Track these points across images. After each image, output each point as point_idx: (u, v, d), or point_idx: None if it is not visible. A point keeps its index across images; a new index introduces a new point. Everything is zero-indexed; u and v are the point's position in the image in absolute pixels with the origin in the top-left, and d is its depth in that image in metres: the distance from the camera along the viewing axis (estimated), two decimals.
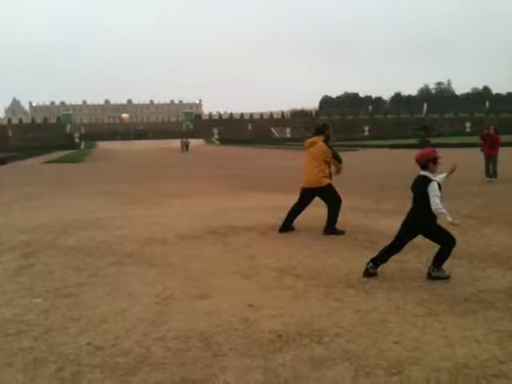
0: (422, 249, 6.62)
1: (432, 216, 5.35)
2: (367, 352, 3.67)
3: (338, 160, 8.16)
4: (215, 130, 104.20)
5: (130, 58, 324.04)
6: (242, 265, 6.22)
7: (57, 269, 6.18)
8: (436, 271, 5.44)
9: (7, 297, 5.14)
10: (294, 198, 11.36)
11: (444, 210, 5.23)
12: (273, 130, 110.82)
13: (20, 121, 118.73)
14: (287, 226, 8.18)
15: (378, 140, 67.44)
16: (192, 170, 25.01)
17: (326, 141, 8.13)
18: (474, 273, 5.65)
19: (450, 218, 5.22)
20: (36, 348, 3.86)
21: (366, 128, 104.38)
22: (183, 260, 6.54)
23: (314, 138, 8.20)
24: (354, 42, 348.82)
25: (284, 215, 9.05)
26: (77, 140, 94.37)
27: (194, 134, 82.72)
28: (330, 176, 8.09)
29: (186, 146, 58.65)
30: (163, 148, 70.88)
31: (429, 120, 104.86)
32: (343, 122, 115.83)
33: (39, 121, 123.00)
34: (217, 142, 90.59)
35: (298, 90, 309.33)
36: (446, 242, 5.45)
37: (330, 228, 7.89)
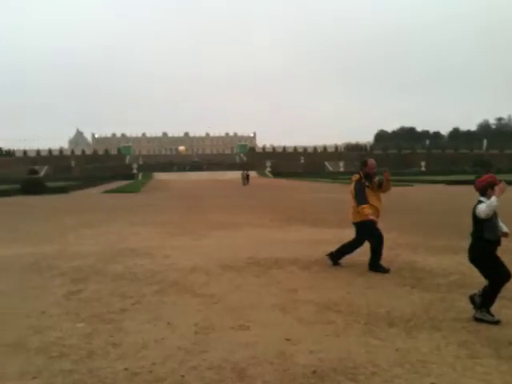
0: (468, 288, 6.43)
1: (485, 247, 5.17)
2: None
3: (358, 202, 7.79)
4: (268, 163, 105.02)
5: (187, 91, 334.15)
6: (282, 298, 6.21)
7: (103, 295, 6.39)
8: (481, 313, 5.24)
9: (53, 320, 5.35)
10: (340, 233, 11.35)
11: (491, 200, 4.97)
12: (326, 163, 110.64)
13: (83, 152, 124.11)
14: (336, 258, 8.16)
15: (435, 175, 65.93)
16: (239, 202, 25.26)
17: (366, 178, 7.92)
18: None
19: (494, 197, 4.96)
20: (76, 371, 4.00)
21: (423, 163, 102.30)
22: (224, 290, 6.60)
23: (354, 176, 8.18)
24: (411, 73, 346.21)
25: (328, 249, 9.03)
26: (135, 171, 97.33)
27: (247, 167, 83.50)
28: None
29: (246, 179, 56.38)
30: (216, 179, 72.02)
31: (488, 156, 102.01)
32: (399, 156, 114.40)
33: (101, 152, 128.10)
34: (269, 175, 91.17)
35: (353, 123, 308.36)
36: (495, 279, 5.22)
37: (374, 264, 7.76)
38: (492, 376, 3.88)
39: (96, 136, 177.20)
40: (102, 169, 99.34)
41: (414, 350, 4.45)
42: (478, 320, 5.23)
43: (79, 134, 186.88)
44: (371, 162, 8.08)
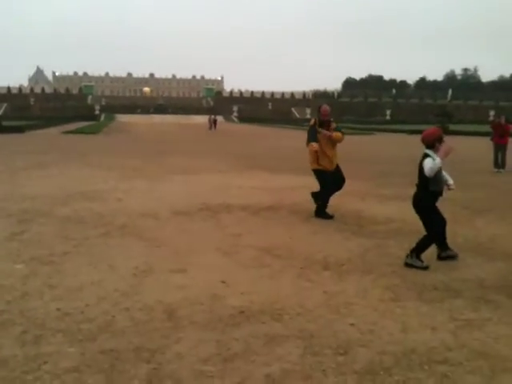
0: (406, 235, 6.70)
1: (430, 195, 5.41)
2: (321, 332, 3.78)
3: (307, 141, 7.97)
4: (235, 108, 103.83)
5: (153, 30, 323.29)
6: (226, 242, 6.35)
7: (46, 237, 6.40)
8: (412, 258, 5.49)
9: None
10: (297, 179, 11.54)
11: (436, 161, 5.18)
12: (293, 110, 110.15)
13: (42, 90, 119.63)
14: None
15: (400, 124, 66.58)
16: (202, 146, 25.13)
17: (321, 124, 7.96)
18: (453, 262, 5.69)
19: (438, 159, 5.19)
20: (7, 311, 4.05)
21: (388, 112, 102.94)
22: (170, 235, 6.70)
23: (310, 120, 8.29)
24: (381, 23, 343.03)
25: (281, 195, 9.15)
26: (97, 112, 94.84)
27: (214, 111, 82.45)
28: (315, 161, 8.00)
29: (214, 123, 54.31)
30: (182, 124, 71.03)
31: (452, 106, 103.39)
32: (365, 104, 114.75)
33: (62, 91, 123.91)
34: (236, 120, 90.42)
35: (322, 70, 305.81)
36: (432, 229, 5.51)
37: (319, 211, 7.96)
38: (409, 317, 4.11)
39: (57, 74, 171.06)
40: (63, 109, 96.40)
41: (341, 292, 4.66)
42: (408, 265, 5.48)
43: (39, 71, 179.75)
44: (324, 108, 8.13)
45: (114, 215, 7.84)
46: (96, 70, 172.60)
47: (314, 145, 7.76)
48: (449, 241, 6.30)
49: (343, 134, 8.17)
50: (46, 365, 3.21)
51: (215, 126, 53.73)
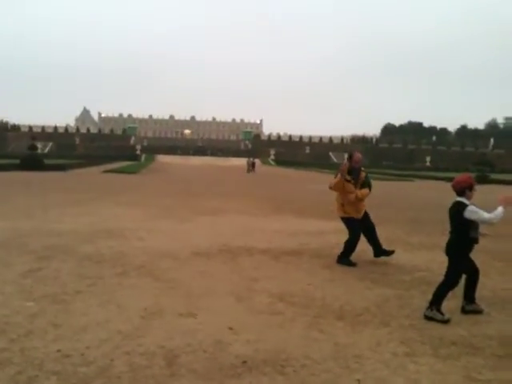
0: (430, 285, 6.39)
1: (466, 245, 5.27)
2: None
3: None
4: (272, 151, 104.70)
5: (195, 76, 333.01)
6: (241, 286, 6.21)
7: (62, 275, 6.40)
8: (432, 311, 5.23)
9: (3, 298, 5.36)
10: (324, 224, 11.39)
11: (496, 212, 5.11)
12: (331, 154, 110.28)
13: (88, 130, 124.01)
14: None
15: (439, 172, 65.52)
16: (235, 189, 25.23)
17: (350, 172, 7.75)
18: (476, 317, 5.39)
19: (500, 208, 5.12)
20: (8, 349, 4.01)
21: (428, 158, 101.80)
22: (187, 276, 6.61)
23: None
24: (421, 69, 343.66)
25: (305, 240, 9.02)
26: (138, 152, 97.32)
27: (253, 154, 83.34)
28: (342, 209, 7.88)
29: (252, 166, 54.59)
30: (220, 166, 71.90)
31: (493, 155, 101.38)
32: (404, 150, 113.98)
33: (106, 131, 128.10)
34: (272, 163, 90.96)
35: (361, 116, 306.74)
36: (452, 276, 5.31)
37: (342, 258, 7.75)
38: (422, 375, 3.86)
39: (102, 115, 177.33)
40: (106, 148, 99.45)
41: (353, 345, 4.44)
42: (427, 318, 5.22)
43: (86, 112, 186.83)
44: (357, 155, 7.91)
45: (134, 254, 7.83)
46: (140, 112, 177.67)
47: (343, 167, 7.66)
48: (477, 293, 6.00)
49: (370, 188, 7.97)
50: None
51: (253, 169, 53.96)
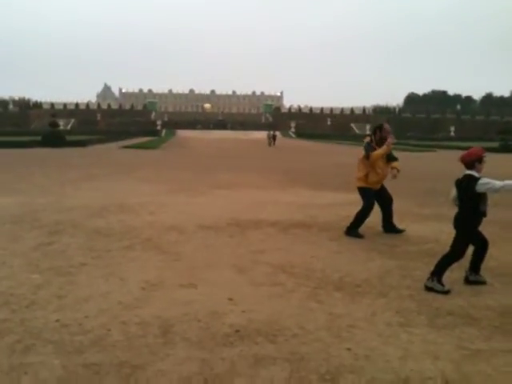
0: (436, 257, 6.35)
1: (476, 218, 5.23)
2: (314, 356, 3.63)
3: (366, 156, 7.74)
4: (292, 124, 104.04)
5: (215, 47, 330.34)
6: (245, 259, 6.28)
7: (70, 248, 6.55)
8: (432, 281, 5.22)
9: (11, 271, 5.53)
10: (340, 197, 11.38)
11: (510, 182, 5.06)
12: (353, 125, 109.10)
13: (109, 106, 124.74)
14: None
15: (463, 141, 64.30)
16: (254, 162, 25.22)
17: (380, 142, 7.78)
18: (478, 287, 5.36)
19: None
20: (9, 320, 4.15)
21: (452, 128, 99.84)
22: (192, 249, 6.70)
23: (366, 137, 8.10)
24: (445, 37, 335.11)
25: (317, 212, 9.02)
26: (159, 127, 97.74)
27: (272, 127, 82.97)
28: (364, 180, 7.85)
29: (273, 139, 53.53)
30: (240, 139, 71.81)
31: None
32: (428, 120, 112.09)
33: (127, 107, 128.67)
34: (293, 136, 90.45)
35: (384, 86, 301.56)
36: (457, 248, 5.26)
37: (350, 230, 7.75)
38: (413, 344, 3.88)
39: (123, 91, 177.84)
40: (128, 124, 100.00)
41: (348, 315, 4.47)
42: (428, 289, 5.22)
43: (107, 88, 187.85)
44: (387, 126, 7.99)
45: (143, 228, 7.95)
46: (160, 87, 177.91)
47: (390, 140, 7.65)
48: (484, 264, 5.96)
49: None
50: (25, 375, 3.24)
51: (274, 142, 53.39)
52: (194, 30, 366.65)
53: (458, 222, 5.33)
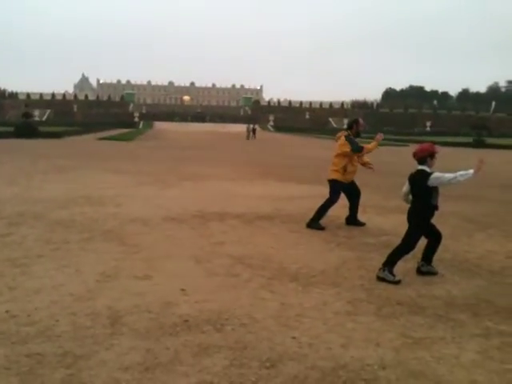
0: (392, 248, 6.48)
1: (428, 211, 5.40)
2: (258, 344, 3.69)
3: (359, 150, 7.93)
4: (271, 117, 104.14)
5: (195, 40, 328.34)
6: (204, 250, 6.31)
7: (28, 240, 6.51)
8: (384, 272, 5.33)
9: None
10: (309, 189, 11.47)
11: (460, 173, 5.22)
12: (331, 119, 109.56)
13: (86, 97, 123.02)
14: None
15: (439, 136, 65.08)
16: (228, 155, 25.22)
17: (356, 136, 8.04)
18: (429, 278, 5.50)
19: (471, 170, 5.21)
20: None
21: (428, 123, 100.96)
22: (152, 241, 6.71)
23: (341, 133, 8.23)
24: (423, 34, 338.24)
25: (283, 205, 9.11)
26: (136, 119, 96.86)
27: (251, 120, 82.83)
28: (342, 172, 7.95)
29: (253, 133, 53.09)
30: (218, 132, 71.63)
31: (494, 119, 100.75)
32: (405, 115, 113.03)
33: (105, 98, 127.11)
34: (271, 129, 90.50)
35: (362, 81, 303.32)
36: (410, 240, 5.41)
37: (312, 221, 7.85)
38: (357, 332, 3.98)
39: (101, 82, 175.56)
40: (105, 115, 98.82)
41: (298, 305, 4.55)
42: (380, 279, 5.33)
43: (84, 79, 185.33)
44: (362, 121, 8.33)
45: (107, 220, 7.93)
46: (139, 78, 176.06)
47: (379, 136, 8.04)
48: (438, 255, 6.13)
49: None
50: None
51: (254, 135, 52.93)
52: (173, 21, 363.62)
53: (412, 216, 5.48)
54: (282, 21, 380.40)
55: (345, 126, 8.31)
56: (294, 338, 3.83)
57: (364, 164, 8.28)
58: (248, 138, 51.44)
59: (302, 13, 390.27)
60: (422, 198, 5.36)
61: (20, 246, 6.23)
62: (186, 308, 4.36)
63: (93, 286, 4.86)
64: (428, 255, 5.64)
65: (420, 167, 5.41)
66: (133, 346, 3.60)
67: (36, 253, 5.91)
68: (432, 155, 5.38)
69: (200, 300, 4.56)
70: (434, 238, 5.62)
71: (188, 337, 3.79)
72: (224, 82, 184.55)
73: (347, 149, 7.89)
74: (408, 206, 5.66)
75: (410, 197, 5.63)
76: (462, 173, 5.25)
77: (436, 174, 5.24)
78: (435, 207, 5.41)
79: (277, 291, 4.90)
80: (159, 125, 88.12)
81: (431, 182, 5.22)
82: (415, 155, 5.46)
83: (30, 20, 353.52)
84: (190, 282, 5.08)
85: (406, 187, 5.70)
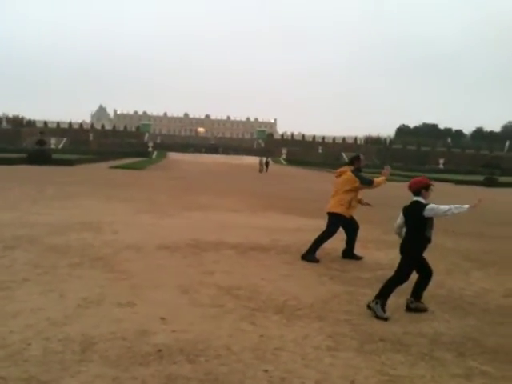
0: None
1: (422, 244, 5.37)
2: (228, 377, 3.59)
3: (369, 183, 8.01)
4: (284, 150, 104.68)
5: (211, 72, 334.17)
6: (193, 280, 6.23)
7: (18, 264, 6.48)
8: (376, 305, 5.22)
9: None
10: (308, 222, 11.39)
11: (456, 206, 5.28)
12: (343, 154, 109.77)
13: (102, 126, 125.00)
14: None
15: (452, 174, 64.69)
16: (237, 186, 25.24)
17: (356, 171, 8.07)
18: (418, 315, 5.36)
19: (467, 206, 5.30)
20: None
21: (441, 161, 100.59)
22: (143, 269, 6.65)
23: (343, 168, 8.26)
24: (437, 71, 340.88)
25: (280, 236, 9.05)
26: (150, 149, 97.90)
27: (265, 153, 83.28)
28: (347, 207, 7.91)
29: (266, 166, 52.32)
30: (230, 164, 71.99)
31: (508, 158, 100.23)
32: (418, 152, 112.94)
33: (121, 128, 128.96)
34: (284, 162, 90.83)
35: (375, 118, 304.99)
36: (402, 273, 5.35)
37: (307, 254, 7.76)
38: (334, 367, 3.86)
39: (118, 112, 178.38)
40: (120, 145, 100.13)
41: (279, 338, 4.44)
42: (369, 308, 5.26)
43: (102, 109, 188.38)
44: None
45: (101, 246, 7.90)
46: (155, 109, 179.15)
47: (387, 171, 8.17)
48: (431, 291, 6.01)
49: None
50: None
51: (267, 168, 52.30)
52: (191, 54, 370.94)
53: (405, 248, 5.44)
54: (299, 57, 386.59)
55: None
56: (266, 371, 3.72)
57: (360, 201, 8.23)
58: (261, 171, 50.67)
59: (315, 47, 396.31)
60: (417, 229, 5.34)
61: (8, 269, 6.20)
62: (162, 337, 4.28)
63: (72, 312, 4.79)
64: (417, 291, 5.53)
65: (415, 198, 5.43)
66: (100, 374, 3.52)
67: (22, 276, 5.88)
68: (427, 187, 5.42)
69: (178, 329, 4.47)
70: (425, 273, 5.52)
71: (159, 367, 3.70)
72: (239, 114, 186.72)
73: (356, 183, 7.90)
74: (400, 239, 5.60)
75: (404, 230, 5.58)
76: (456, 206, 5.30)
77: (431, 206, 5.27)
78: (429, 240, 5.38)
79: (259, 323, 4.80)
80: (173, 155, 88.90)
81: (427, 212, 5.23)
82: (410, 187, 5.51)
83: (58, 51, 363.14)
84: (172, 310, 5.00)
85: (400, 219, 5.68)
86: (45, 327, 4.35)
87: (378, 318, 5.13)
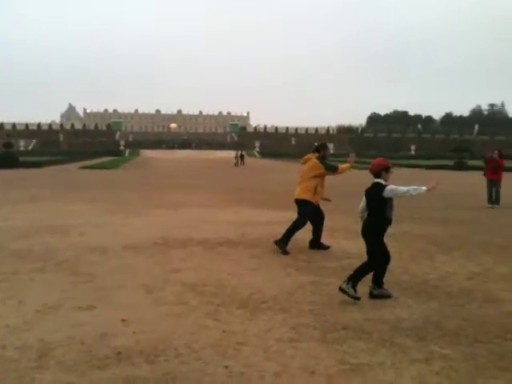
0: (350, 272, 6.41)
1: (383, 225, 5.46)
2: (187, 375, 3.57)
3: (333, 169, 8.13)
4: (257, 143, 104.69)
5: (182, 68, 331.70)
6: (158, 279, 6.18)
7: None
8: (348, 285, 5.28)
9: None
10: (279, 215, 11.39)
11: (414, 187, 5.44)
12: (316, 144, 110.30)
13: (72, 126, 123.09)
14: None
15: (424, 160, 65.57)
16: (207, 181, 25.13)
17: (322, 159, 8.17)
18: (380, 301, 5.40)
19: (424, 187, 5.43)
20: None
21: (413, 147, 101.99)
22: (107, 270, 6.56)
23: (309, 155, 8.35)
24: (406, 58, 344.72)
25: (250, 230, 9.02)
26: (122, 147, 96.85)
27: (239, 146, 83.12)
28: (313, 193, 7.97)
29: (241, 159, 52.38)
30: (204, 159, 71.70)
31: (477, 142, 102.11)
32: (390, 139, 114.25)
33: (91, 127, 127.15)
34: (257, 155, 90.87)
35: (347, 107, 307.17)
36: (375, 257, 5.44)
37: (280, 242, 7.79)
38: (295, 360, 3.85)
39: (88, 111, 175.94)
40: (91, 144, 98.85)
41: (241, 332, 4.43)
42: (341, 290, 5.32)
43: (71, 108, 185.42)
44: (328, 145, 8.92)
45: (66, 249, 7.78)
46: (126, 107, 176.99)
47: (352, 158, 8.39)
48: (395, 277, 6.07)
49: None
50: None
51: (243, 162, 52.21)
52: (161, 50, 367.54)
53: (367, 230, 5.55)
54: (269, 49, 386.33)
55: (331, 151, 8.57)
56: (226, 367, 3.71)
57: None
58: (236, 164, 50.53)
59: (286, 39, 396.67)
60: (377, 211, 5.45)
61: None
62: (122, 339, 4.22)
63: (31, 318, 4.70)
64: (377, 277, 5.57)
65: (376, 180, 5.54)
66: (55, 380, 3.46)
67: None
68: (387, 169, 5.54)
69: (139, 331, 4.42)
70: (383, 259, 5.56)
71: (116, 370, 3.65)
72: (211, 109, 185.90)
73: (321, 170, 7.99)
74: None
75: (366, 213, 5.64)
76: (415, 187, 5.46)
77: (391, 186, 5.40)
78: (389, 221, 5.49)
79: (222, 319, 4.78)
80: (145, 153, 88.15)
81: (386, 193, 5.35)
82: (371, 170, 5.62)
83: (17, 50, 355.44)
84: (134, 311, 4.94)
85: (363, 202, 5.78)
86: (3, 335, 4.26)
87: (350, 297, 5.24)
